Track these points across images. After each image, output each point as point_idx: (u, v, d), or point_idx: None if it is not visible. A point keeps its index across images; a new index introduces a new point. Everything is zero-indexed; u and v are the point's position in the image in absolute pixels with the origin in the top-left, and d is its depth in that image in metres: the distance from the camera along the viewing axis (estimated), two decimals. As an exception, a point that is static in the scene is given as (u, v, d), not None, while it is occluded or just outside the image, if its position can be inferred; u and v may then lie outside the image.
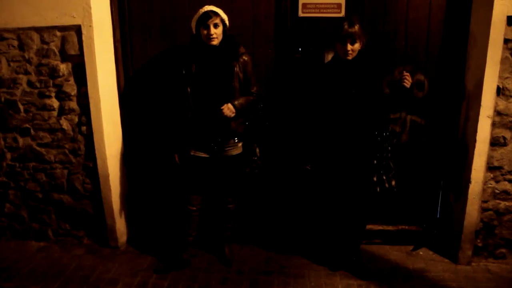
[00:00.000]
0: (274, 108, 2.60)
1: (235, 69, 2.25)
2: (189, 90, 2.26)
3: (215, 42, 2.20)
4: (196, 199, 2.45)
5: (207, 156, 2.35)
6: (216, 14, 2.17)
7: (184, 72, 2.27)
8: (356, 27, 2.09)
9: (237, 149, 2.39)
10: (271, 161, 2.67)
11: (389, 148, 2.20)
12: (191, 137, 2.34)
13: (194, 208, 2.47)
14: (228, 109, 2.21)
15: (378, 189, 2.22)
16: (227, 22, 2.25)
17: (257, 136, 2.43)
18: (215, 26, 2.17)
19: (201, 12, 2.18)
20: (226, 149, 2.35)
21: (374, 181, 2.21)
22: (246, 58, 2.30)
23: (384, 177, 2.21)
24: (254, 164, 2.42)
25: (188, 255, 2.57)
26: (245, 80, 2.31)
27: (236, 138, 2.35)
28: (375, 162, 2.20)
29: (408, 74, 2.15)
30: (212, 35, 2.17)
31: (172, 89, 2.42)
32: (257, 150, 2.42)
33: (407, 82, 2.14)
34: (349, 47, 2.10)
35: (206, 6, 2.20)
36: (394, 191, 2.23)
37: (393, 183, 2.22)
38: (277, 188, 2.75)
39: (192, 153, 2.35)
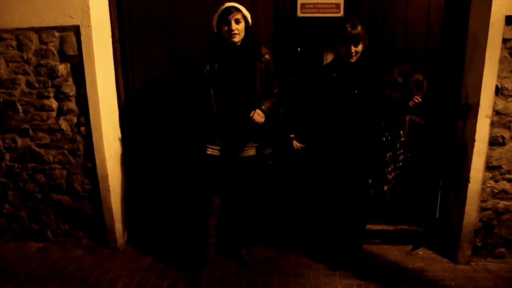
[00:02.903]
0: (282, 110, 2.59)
1: (258, 69, 2.18)
2: (212, 90, 2.17)
3: (237, 38, 2.11)
4: (217, 201, 2.35)
5: (225, 157, 2.27)
6: (238, 10, 2.09)
7: (206, 71, 2.16)
8: (359, 28, 2.05)
9: (253, 150, 2.35)
10: (274, 160, 2.67)
11: (388, 154, 2.19)
12: (211, 139, 2.26)
13: (215, 211, 2.37)
14: (258, 115, 2.14)
15: (371, 192, 2.22)
16: (249, 19, 2.16)
17: (271, 137, 2.37)
18: (237, 21, 2.08)
19: (222, 8, 2.11)
20: (245, 149, 2.30)
21: (369, 183, 2.21)
22: (268, 58, 2.22)
23: (378, 181, 2.20)
24: (267, 165, 2.38)
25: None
26: (266, 80, 2.24)
27: (253, 140, 2.31)
28: (371, 165, 2.20)
29: (420, 100, 2.12)
30: (233, 30, 2.07)
31: (189, 90, 2.35)
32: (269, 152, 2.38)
33: (412, 104, 2.13)
34: (353, 49, 2.06)
35: (227, 3, 2.13)
36: (386, 197, 2.23)
37: (385, 188, 2.21)
38: (277, 189, 2.76)
39: (208, 153, 2.26)
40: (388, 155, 2.19)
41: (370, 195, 2.23)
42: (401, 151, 2.24)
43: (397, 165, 2.23)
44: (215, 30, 2.19)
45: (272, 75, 2.27)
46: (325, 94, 2.20)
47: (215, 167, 2.30)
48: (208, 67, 2.17)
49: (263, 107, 2.18)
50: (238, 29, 2.10)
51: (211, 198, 2.33)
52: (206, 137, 2.27)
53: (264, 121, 2.20)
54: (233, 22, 2.08)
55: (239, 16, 2.10)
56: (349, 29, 2.05)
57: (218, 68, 2.16)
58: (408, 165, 2.30)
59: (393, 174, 2.24)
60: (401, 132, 2.22)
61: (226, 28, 2.10)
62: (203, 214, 2.37)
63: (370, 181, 2.21)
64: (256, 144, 2.35)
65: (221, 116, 2.21)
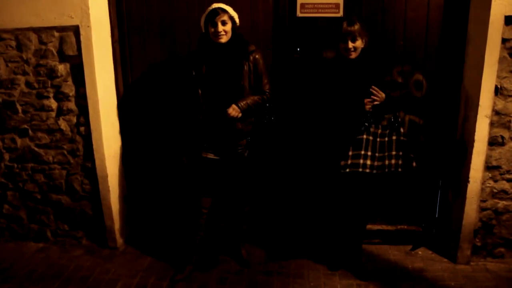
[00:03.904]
0: (273, 108, 2.59)
1: (245, 67, 2.21)
2: (200, 92, 2.22)
3: (223, 39, 2.15)
4: (207, 201, 2.40)
5: (219, 158, 2.31)
6: (224, 11, 2.13)
7: (194, 73, 2.23)
8: (356, 26, 2.10)
9: (247, 151, 2.35)
10: (272, 160, 2.67)
11: (364, 136, 2.17)
12: (202, 139, 2.29)
13: (206, 211, 2.41)
14: (233, 110, 2.17)
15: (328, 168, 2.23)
16: (236, 19, 2.20)
17: (265, 136, 2.38)
18: (223, 23, 2.13)
19: (209, 10, 2.15)
20: (239, 150, 2.32)
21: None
22: (257, 56, 2.25)
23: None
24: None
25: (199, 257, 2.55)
26: (256, 78, 2.26)
27: (248, 139, 2.32)
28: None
29: (377, 90, 2.14)
30: (219, 32, 2.12)
31: (181, 91, 2.38)
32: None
33: (375, 99, 2.14)
34: (350, 44, 2.10)
35: (214, 4, 2.16)
36: (341, 173, 2.19)
37: (342, 163, 2.17)
38: (277, 189, 2.75)
39: (203, 155, 2.30)
40: (364, 137, 2.17)
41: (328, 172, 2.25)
42: (393, 153, 2.19)
43: (376, 154, 2.17)
44: (203, 31, 2.23)
45: (261, 73, 2.27)
46: (325, 89, 2.22)
47: (207, 169, 2.34)
48: (196, 69, 2.22)
49: (239, 103, 2.19)
50: (225, 30, 2.14)
51: (201, 197, 2.37)
52: (199, 137, 2.29)
53: (243, 117, 2.21)
54: (219, 24, 2.12)
55: (225, 17, 2.13)
56: (345, 26, 2.11)
57: (206, 69, 2.21)
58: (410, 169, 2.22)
59: (367, 160, 2.17)
60: (401, 130, 2.19)
61: (212, 29, 2.14)
62: (193, 214, 2.42)
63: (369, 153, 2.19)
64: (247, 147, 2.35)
65: (212, 116, 2.23)
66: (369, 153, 2.18)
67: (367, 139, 2.18)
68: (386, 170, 2.19)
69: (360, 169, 2.17)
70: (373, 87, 2.15)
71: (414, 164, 2.17)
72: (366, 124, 2.17)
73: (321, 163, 2.37)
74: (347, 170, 2.17)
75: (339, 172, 2.19)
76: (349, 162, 2.17)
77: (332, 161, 2.25)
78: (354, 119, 2.19)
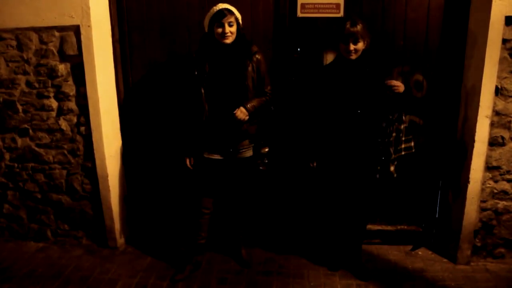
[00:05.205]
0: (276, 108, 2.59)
1: (249, 68, 2.21)
2: (203, 91, 2.21)
3: (229, 40, 2.16)
4: (208, 201, 2.40)
5: (221, 158, 2.31)
6: (231, 13, 2.14)
7: (196, 73, 2.21)
8: (359, 26, 2.07)
9: (250, 151, 2.35)
10: (272, 160, 2.67)
11: (393, 135, 2.18)
12: (204, 139, 2.29)
13: (207, 211, 2.41)
14: (241, 113, 2.17)
15: (377, 176, 2.21)
16: (240, 21, 2.21)
17: (268, 137, 2.39)
18: (230, 24, 2.13)
19: (215, 10, 2.14)
20: (241, 151, 2.31)
21: (376, 169, 2.21)
22: (259, 57, 2.26)
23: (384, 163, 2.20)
24: (263, 166, 2.38)
25: (202, 257, 2.56)
26: (258, 79, 2.27)
27: (250, 140, 2.32)
28: (376, 150, 2.20)
29: (392, 81, 2.08)
30: (226, 33, 2.12)
31: (183, 90, 2.37)
32: (266, 151, 2.38)
33: (396, 89, 2.08)
34: (352, 46, 2.08)
35: (220, 4, 2.15)
36: (393, 178, 2.21)
37: (392, 169, 2.19)
38: (276, 189, 2.75)
39: (205, 156, 2.30)
40: (393, 135, 2.18)
41: (377, 180, 2.22)
42: (403, 139, 2.22)
43: (398, 147, 2.21)
44: (206, 30, 2.22)
45: (264, 74, 2.29)
46: (326, 91, 2.21)
47: (209, 169, 2.34)
48: (198, 68, 2.21)
49: (247, 105, 2.20)
50: (232, 32, 2.15)
51: (202, 198, 2.37)
52: (201, 138, 2.29)
53: (249, 118, 2.22)
54: (226, 25, 2.12)
55: (232, 19, 2.14)
56: (348, 26, 2.07)
57: (209, 69, 2.20)
58: (410, 159, 2.29)
59: (396, 155, 2.22)
60: (404, 118, 2.19)
61: (219, 30, 2.14)
62: (194, 214, 2.42)
63: (378, 167, 2.22)
64: (253, 145, 2.35)
65: (215, 116, 2.23)
66: (392, 149, 2.22)
67: (394, 137, 2.20)
68: (399, 152, 2.23)
69: (392, 168, 2.20)
70: (390, 81, 2.10)
71: (412, 143, 2.23)
72: (394, 121, 2.18)
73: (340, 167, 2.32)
74: (377, 176, 2.21)
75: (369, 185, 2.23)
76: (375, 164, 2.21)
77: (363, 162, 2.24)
78: (378, 119, 2.19)
